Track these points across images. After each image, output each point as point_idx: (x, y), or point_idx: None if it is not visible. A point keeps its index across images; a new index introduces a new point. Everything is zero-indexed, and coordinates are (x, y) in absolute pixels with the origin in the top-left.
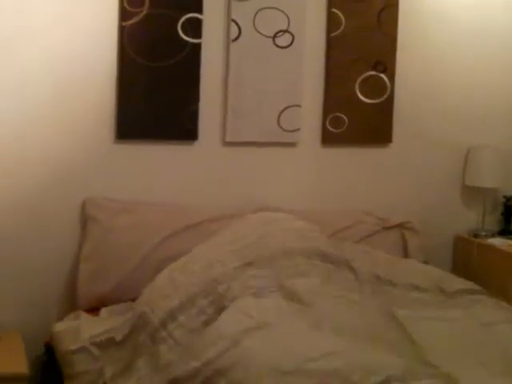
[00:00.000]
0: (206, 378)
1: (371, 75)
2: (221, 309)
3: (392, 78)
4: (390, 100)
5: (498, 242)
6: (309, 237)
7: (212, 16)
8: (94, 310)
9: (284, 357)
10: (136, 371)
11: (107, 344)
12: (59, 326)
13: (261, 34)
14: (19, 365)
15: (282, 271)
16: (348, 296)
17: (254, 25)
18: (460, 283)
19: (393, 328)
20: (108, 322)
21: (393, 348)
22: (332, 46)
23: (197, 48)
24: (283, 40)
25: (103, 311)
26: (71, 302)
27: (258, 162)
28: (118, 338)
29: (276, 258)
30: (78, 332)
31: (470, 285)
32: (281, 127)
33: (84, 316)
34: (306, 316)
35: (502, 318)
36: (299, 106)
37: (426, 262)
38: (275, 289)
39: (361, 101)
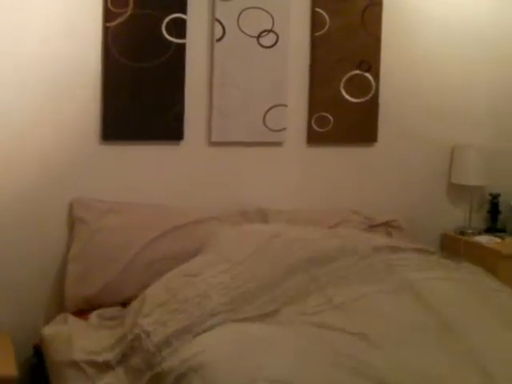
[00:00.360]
0: (180, 374)
1: (356, 74)
2: None
3: (377, 77)
4: (375, 99)
5: (484, 239)
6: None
7: (196, 16)
8: (81, 312)
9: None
10: None
11: (101, 365)
12: (48, 330)
13: (245, 33)
14: (8, 367)
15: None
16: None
17: (238, 24)
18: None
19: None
20: (100, 334)
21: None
22: (316, 45)
23: (181, 48)
24: (268, 40)
25: (93, 316)
26: (60, 304)
27: (244, 161)
28: (112, 361)
29: (274, 284)
30: (70, 342)
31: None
32: (266, 127)
33: (72, 320)
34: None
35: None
36: (285, 105)
37: None
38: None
39: (346, 100)
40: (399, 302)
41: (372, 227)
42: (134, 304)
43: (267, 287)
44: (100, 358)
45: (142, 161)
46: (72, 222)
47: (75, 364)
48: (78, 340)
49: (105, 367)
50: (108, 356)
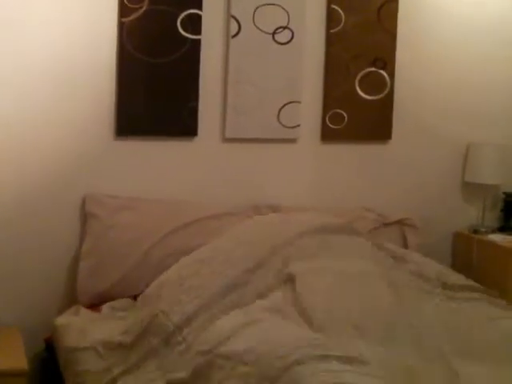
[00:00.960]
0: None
1: (371, 71)
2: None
3: (392, 74)
4: (390, 96)
5: (497, 238)
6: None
7: (212, 12)
8: (93, 306)
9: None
10: (146, 373)
11: (116, 347)
12: (60, 321)
13: (260, 30)
14: (19, 361)
15: (286, 259)
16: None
17: (253, 21)
18: (460, 279)
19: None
20: (113, 324)
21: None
22: (332, 42)
23: (196, 44)
24: (283, 36)
25: (105, 308)
26: (71, 299)
27: (258, 158)
28: (127, 341)
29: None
30: (84, 330)
31: (470, 282)
32: (281, 123)
33: (83, 311)
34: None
35: (505, 314)
36: (299, 102)
37: None
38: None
39: (360, 97)
40: None
41: (385, 225)
42: (148, 291)
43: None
44: (115, 339)
45: (156, 157)
46: (85, 218)
47: (88, 348)
48: (92, 329)
49: (119, 348)
50: (123, 337)
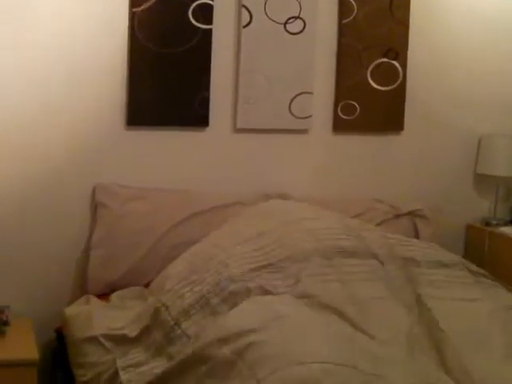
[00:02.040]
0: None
1: (383, 62)
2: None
3: (404, 65)
4: (402, 87)
5: (509, 230)
6: (325, 233)
7: (223, 2)
8: (104, 295)
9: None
10: (151, 369)
11: (121, 339)
12: (70, 310)
13: (272, 20)
14: (29, 350)
15: (300, 273)
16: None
17: (265, 11)
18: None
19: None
20: (120, 313)
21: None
22: (344, 32)
23: (208, 34)
24: (295, 26)
25: (114, 297)
26: (82, 289)
27: (269, 148)
28: (132, 335)
29: (293, 261)
30: (90, 320)
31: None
32: (292, 114)
33: (94, 301)
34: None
35: None
36: (311, 92)
37: None
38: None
39: (372, 88)
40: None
41: (397, 216)
42: (156, 281)
43: (288, 261)
44: (119, 332)
45: (167, 147)
46: (95, 207)
47: (94, 339)
48: (98, 318)
49: (124, 341)
50: (127, 331)
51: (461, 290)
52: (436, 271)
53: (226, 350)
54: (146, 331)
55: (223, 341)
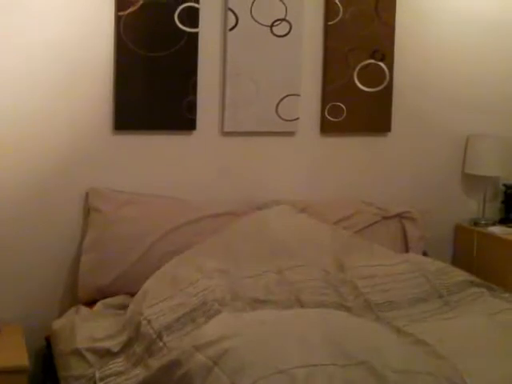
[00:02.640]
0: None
1: (370, 63)
2: None
3: (391, 66)
4: (389, 88)
5: (498, 230)
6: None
7: (209, 5)
8: (94, 302)
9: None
10: (129, 378)
11: (104, 353)
12: (58, 323)
13: (258, 22)
14: (19, 358)
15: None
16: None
17: (251, 13)
18: (460, 275)
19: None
20: (104, 323)
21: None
22: (330, 34)
23: (194, 37)
24: (281, 29)
25: (99, 304)
26: (73, 295)
27: (257, 151)
28: (115, 350)
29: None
30: (73, 330)
31: (470, 277)
32: (279, 116)
33: (82, 310)
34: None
35: (505, 306)
36: (298, 95)
37: (425, 253)
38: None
39: (359, 89)
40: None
41: (385, 218)
42: (139, 294)
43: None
44: (101, 345)
45: (155, 151)
46: (87, 212)
47: (77, 352)
48: (82, 328)
49: (106, 354)
50: (110, 343)
51: (440, 321)
52: (412, 311)
53: (201, 356)
54: (128, 343)
55: (198, 347)
